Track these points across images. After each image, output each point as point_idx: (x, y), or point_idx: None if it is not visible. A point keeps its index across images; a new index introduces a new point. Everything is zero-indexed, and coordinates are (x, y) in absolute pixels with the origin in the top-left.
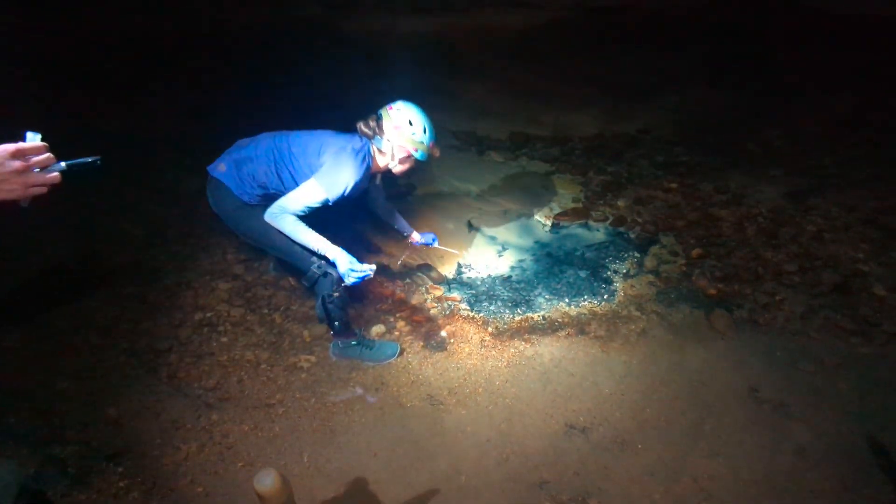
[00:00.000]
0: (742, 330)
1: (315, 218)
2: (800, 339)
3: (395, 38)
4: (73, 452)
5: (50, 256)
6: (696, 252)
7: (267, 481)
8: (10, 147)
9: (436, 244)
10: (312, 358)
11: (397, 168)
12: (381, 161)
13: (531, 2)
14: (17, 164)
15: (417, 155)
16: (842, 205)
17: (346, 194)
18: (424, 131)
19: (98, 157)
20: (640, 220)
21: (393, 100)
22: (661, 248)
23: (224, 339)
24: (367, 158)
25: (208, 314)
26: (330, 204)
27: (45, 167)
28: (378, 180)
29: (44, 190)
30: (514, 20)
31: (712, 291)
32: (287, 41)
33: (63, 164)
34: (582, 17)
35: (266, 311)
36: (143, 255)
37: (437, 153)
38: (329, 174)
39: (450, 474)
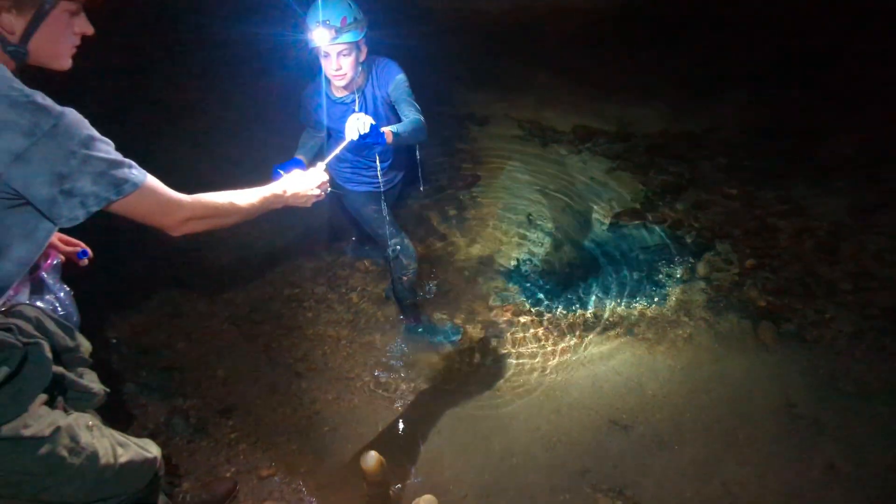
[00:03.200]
0: (787, 344)
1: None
2: (844, 358)
3: (468, 15)
4: (192, 405)
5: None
6: (750, 262)
7: (371, 462)
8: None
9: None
10: (385, 336)
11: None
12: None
13: None
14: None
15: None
16: None
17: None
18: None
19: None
20: (696, 224)
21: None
22: (716, 255)
23: (309, 315)
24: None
25: (296, 290)
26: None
27: None
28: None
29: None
30: (587, 3)
31: (762, 303)
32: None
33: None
34: (657, 3)
35: (344, 290)
36: (237, 230)
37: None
38: None
39: (502, 455)
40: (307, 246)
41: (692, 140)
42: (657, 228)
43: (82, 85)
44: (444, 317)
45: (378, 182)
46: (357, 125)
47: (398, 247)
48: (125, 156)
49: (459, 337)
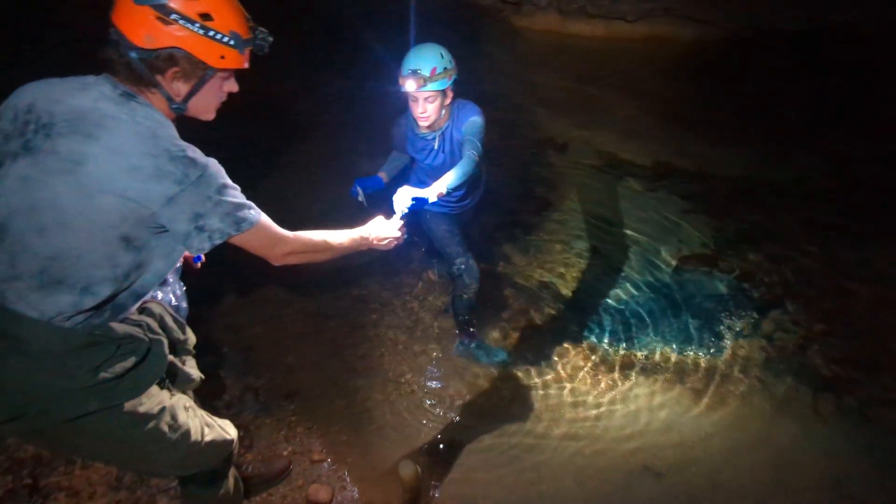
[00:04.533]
0: (846, 419)
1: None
2: None
3: (559, 38)
4: (262, 385)
5: None
6: (819, 327)
7: (408, 471)
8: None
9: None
10: (438, 347)
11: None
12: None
13: (707, 18)
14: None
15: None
16: None
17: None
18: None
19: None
20: (767, 279)
21: None
22: (783, 314)
23: (373, 316)
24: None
25: (364, 292)
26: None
27: None
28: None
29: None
30: (684, 35)
31: (826, 372)
32: (460, 25)
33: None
34: (758, 39)
35: (407, 297)
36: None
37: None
38: None
39: (533, 480)
40: (379, 251)
41: (777, 189)
42: (725, 278)
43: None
44: (497, 337)
45: (451, 206)
46: (401, 200)
47: (463, 266)
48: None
49: (505, 360)
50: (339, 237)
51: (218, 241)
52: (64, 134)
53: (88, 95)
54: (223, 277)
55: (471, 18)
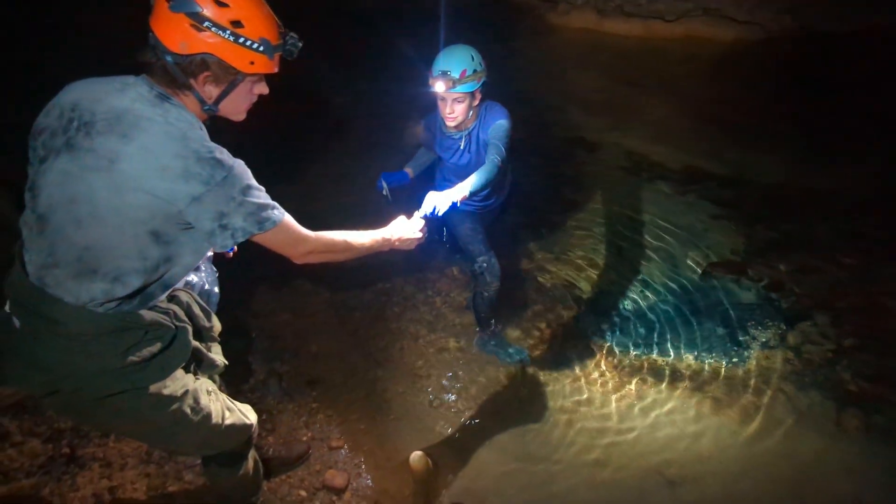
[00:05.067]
0: (871, 437)
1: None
2: None
3: (595, 37)
4: (286, 371)
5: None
6: (849, 341)
7: (419, 462)
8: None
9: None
10: (459, 343)
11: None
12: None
13: (749, 18)
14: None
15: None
16: None
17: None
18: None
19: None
20: (798, 290)
21: None
22: (812, 325)
23: (395, 310)
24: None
25: (387, 285)
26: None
27: None
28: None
29: None
30: (724, 35)
31: (853, 388)
32: (495, 22)
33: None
34: (802, 41)
35: (430, 292)
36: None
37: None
38: None
39: (545, 480)
40: (401, 252)
41: (813, 198)
42: (753, 286)
43: None
44: (517, 335)
45: (475, 206)
46: (432, 202)
47: (485, 264)
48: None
49: (527, 360)
50: (360, 238)
51: (241, 239)
52: (102, 132)
53: (127, 96)
54: (254, 265)
55: (506, 15)
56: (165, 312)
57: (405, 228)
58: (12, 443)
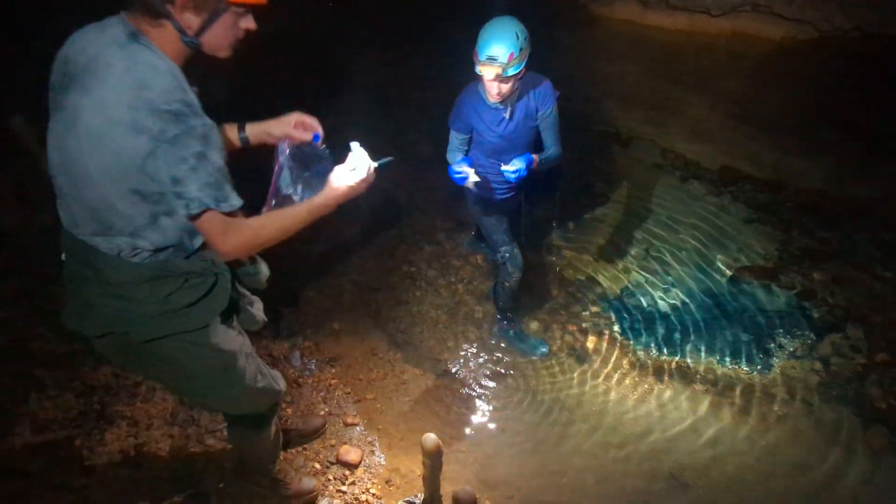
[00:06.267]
0: None
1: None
2: None
3: (638, 30)
4: (308, 347)
5: None
6: (882, 357)
7: (430, 444)
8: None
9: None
10: (478, 331)
11: None
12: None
13: (800, 17)
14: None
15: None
16: None
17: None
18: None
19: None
20: (831, 300)
21: None
22: (843, 338)
23: (418, 294)
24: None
25: (412, 269)
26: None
27: None
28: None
29: None
30: (773, 32)
31: (882, 405)
32: (536, 10)
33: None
34: (856, 42)
35: (453, 279)
36: (371, 203)
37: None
38: None
39: (555, 472)
40: (430, 230)
41: (854, 206)
42: (784, 294)
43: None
44: (536, 328)
45: (501, 189)
46: (516, 166)
47: (507, 255)
48: None
49: (545, 352)
50: (292, 215)
51: (195, 212)
52: (70, 87)
53: (101, 40)
54: (284, 242)
55: (547, 4)
56: (204, 260)
57: (343, 176)
58: (48, 395)
